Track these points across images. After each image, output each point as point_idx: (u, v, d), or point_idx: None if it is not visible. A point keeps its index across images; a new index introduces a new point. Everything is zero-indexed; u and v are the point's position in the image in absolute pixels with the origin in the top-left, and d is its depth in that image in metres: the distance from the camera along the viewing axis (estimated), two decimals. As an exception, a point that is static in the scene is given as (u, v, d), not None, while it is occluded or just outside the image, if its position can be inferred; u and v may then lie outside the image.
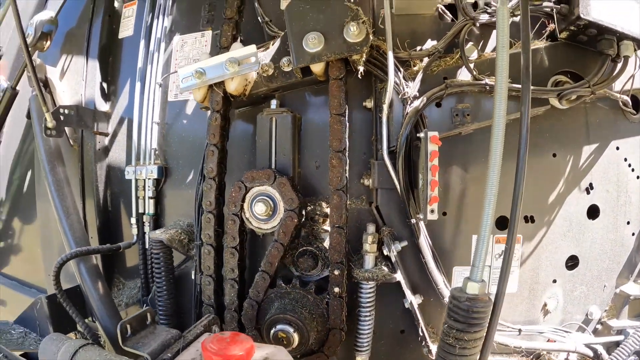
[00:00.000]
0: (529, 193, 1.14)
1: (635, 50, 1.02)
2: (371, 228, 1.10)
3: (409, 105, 1.05)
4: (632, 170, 1.18)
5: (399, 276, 1.10)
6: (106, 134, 1.47)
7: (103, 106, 1.47)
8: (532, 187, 1.15)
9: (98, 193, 1.45)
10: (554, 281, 1.18)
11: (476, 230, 1.15)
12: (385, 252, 1.11)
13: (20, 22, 1.09)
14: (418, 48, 1.13)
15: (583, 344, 1.12)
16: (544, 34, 1.10)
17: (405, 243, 1.12)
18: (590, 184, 1.15)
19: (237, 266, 1.15)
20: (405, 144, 1.03)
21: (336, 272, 1.07)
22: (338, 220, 1.06)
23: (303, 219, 1.18)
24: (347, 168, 1.09)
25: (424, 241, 1.09)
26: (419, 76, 1.07)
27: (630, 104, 1.12)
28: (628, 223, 1.18)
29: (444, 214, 1.15)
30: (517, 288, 1.17)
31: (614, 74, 1.02)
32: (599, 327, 1.18)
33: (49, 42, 1.42)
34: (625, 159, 1.17)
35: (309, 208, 1.19)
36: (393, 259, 1.10)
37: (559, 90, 1.03)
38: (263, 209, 1.11)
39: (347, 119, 1.08)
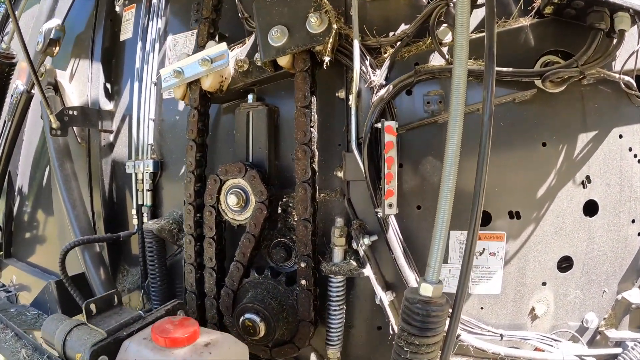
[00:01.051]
0: (513, 186, 1.05)
1: (635, 22, 0.89)
2: (339, 221, 1.08)
3: (375, 94, 1.01)
4: (639, 161, 1.03)
5: (367, 271, 1.07)
6: (110, 131, 1.59)
7: (107, 105, 1.59)
8: (518, 180, 1.06)
9: (104, 186, 1.57)
10: (544, 284, 1.07)
11: (454, 225, 1.10)
12: (354, 246, 1.09)
13: (20, 33, 1.21)
14: (391, 34, 1.08)
15: (574, 354, 1.01)
16: (532, 10, 1.00)
17: (375, 237, 1.09)
18: (587, 177, 1.02)
19: (214, 255, 1.20)
20: (370, 134, 1.00)
21: (302, 265, 1.07)
22: (303, 213, 1.06)
23: (280, 211, 1.20)
24: (315, 160, 1.08)
25: (393, 236, 1.05)
26: (386, 63, 1.02)
27: (635, 85, 0.97)
28: (633, 221, 1.04)
29: (419, 207, 1.10)
30: (500, 289, 1.08)
31: (608, 51, 0.90)
32: (598, 337, 1.07)
33: (57, 48, 1.55)
34: (630, 149, 1.03)
35: (285, 199, 1.21)
36: (361, 254, 1.08)
37: (541, 72, 0.92)
38: (235, 200, 1.14)
39: (314, 110, 1.07)
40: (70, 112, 1.41)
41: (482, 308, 1.11)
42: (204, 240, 1.21)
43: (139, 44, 1.54)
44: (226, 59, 1.13)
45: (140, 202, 1.52)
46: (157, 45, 1.52)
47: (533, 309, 1.08)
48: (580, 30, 0.94)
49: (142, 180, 1.50)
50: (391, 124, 0.88)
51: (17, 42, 1.79)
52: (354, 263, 1.07)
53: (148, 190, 1.50)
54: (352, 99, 1.04)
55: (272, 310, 1.08)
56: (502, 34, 1.00)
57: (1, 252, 1.88)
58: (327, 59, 1.04)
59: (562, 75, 0.92)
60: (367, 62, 1.03)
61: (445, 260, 1.10)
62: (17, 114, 1.59)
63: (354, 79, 1.02)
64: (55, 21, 1.55)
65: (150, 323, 0.90)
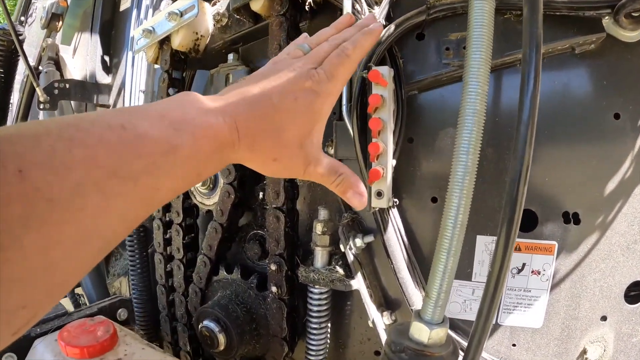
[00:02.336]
0: (571, 176, 0.71)
1: None
2: (323, 213, 0.82)
3: (371, 39, 0.73)
4: None
5: (357, 283, 0.80)
6: (107, 106, 1.50)
7: (105, 78, 1.50)
8: (578, 167, 0.70)
9: (98, 165, 1.49)
10: (603, 318, 0.72)
11: (482, 227, 0.78)
12: (342, 248, 0.82)
13: (6, 8, 1.13)
14: (401, -41, 0.78)
15: None
16: None
17: (371, 238, 0.81)
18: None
19: (182, 246, 1.02)
20: (361, 94, 0.72)
21: (273, 267, 0.83)
22: (275, 200, 0.82)
23: (260, 196, 0.98)
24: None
25: (394, 238, 0.76)
26: (387, -5, 0.73)
27: None
28: None
29: (434, 200, 0.79)
30: (542, 322, 0.75)
31: None
32: None
33: (61, 23, 1.50)
34: None
35: (264, 182, 0.98)
36: (350, 259, 0.80)
37: (613, 1, 0.57)
38: (202, 182, 0.94)
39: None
40: (61, 85, 1.33)
41: (514, 345, 0.77)
42: (172, 227, 1.03)
43: (134, 12, 1.42)
44: (195, 10, 0.92)
45: (130, 184, 1.41)
46: (150, 12, 1.39)
47: (584, 351, 0.72)
48: None
49: (132, 159, 1.38)
50: (380, 70, 0.59)
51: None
52: (340, 271, 0.81)
53: (136, 170, 1.38)
54: (341, 47, 0.77)
55: (235, 319, 0.87)
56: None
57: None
58: (310, -4, 0.78)
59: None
60: (363, -4, 0.75)
61: (469, 277, 0.79)
62: (25, 91, 1.58)
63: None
64: (58, -6, 1.50)
65: (74, 320, 0.74)
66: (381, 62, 0.73)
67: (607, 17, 0.65)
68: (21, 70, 1.77)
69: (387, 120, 0.59)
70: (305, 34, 0.62)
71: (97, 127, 0.29)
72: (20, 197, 0.23)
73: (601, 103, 0.70)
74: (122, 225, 0.31)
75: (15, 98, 1.92)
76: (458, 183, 0.52)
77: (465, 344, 0.78)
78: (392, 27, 0.71)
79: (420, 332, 0.53)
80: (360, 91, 0.72)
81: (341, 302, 0.92)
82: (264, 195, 0.95)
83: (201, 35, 1.00)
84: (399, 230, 0.78)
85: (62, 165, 0.25)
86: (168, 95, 1.02)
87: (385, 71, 0.58)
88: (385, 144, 0.59)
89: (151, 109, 0.35)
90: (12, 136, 0.25)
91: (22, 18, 2.09)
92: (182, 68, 1.04)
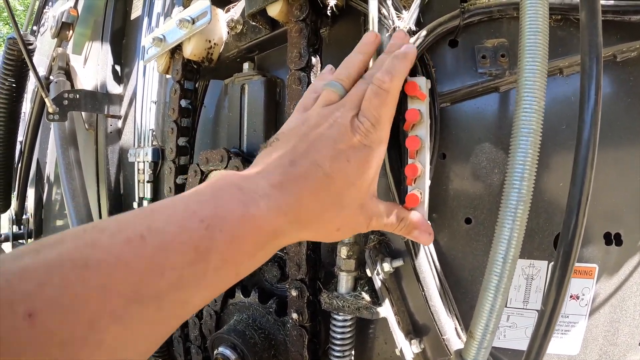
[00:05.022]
0: (613, 194, 0.64)
1: None
2: (347, 235, 0.76)
3: (401, 47, 0.67)
4: None
5: (385, 311, 0.74)
6: (118, 117, 1.47)
7: (116, 89, 1.47)
8: (620, 184, 0.64)
9: (109, 176, 1.46)
10: None
11: (523, 251, 0.71)
12: (369, 273, 0.76)
13: (12, 12, 1.11)
14: (432, -40, 0.72)
15: None
16: None
17: (400, 262, 0.75)
18: None
19: (196, 266, 0.97)
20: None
21: (294, 293, 0.78)
22: (295, 221, 0.76)
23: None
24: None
25: (426, 263, 0.70)
26: (417, 1, 0.67)
27: None
28: None
29: (468, 221, 0.73)
30: (579, 349, 0.68)
31: None
32: None
33: (71, 32, 1.48)
34: None
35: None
36: (377, 284, 0.74)
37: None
38: (216, 199, 0.89)
39: (315, 76, 0.77)
40: (71, 96, 1.30)
41: (554, 378, 0.71)
42: (186, 246, 0.99)
43: (145, 20, 1.39)
44: (208, 17, 0.88)
45: (141, 195, 1.37)
46: (162, 20, 1.35)
47: (636, 385, 0.65)
48: None
49: (143, 170, 1.34)
50: (417, 81, 0.53)
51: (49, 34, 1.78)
52: (367, 297, 0.75)
53: (148, 182, 1.34)
54: (367, 56, 0.71)
55: (253, 346, 0.81)
56: None
57: (31, 239, 1.91)
58: (332, 2, 0.72)
59: None
60: (389, 2, 0.69)
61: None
62: (37, 101, 1.56)
63: (370, 27, 0.69)
64: (68, 4, 1.47)
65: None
66: (412, 72, 0.67)
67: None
68: (33, 80, 1.75)
69: (424, 139, 0.53)
70: (329, 67, 0.54)
71: (117, 241, 0.26)
72: (31, 344, 0.22)
73: (644, 113, 0.65)
74: (150, 346, 0.29)
75: (27, 108, 1.91)
76: (510, 212, 0.45)
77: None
78: (423, 32, 0.65)
79: (465, 379, 0.47)
80: (389, 104, 0.65)
81: (364, 326, 0.86)
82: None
83: (214, 44, 0.96)
84: (430, 254, 0.71)
85: (74, 301, 0.24)
86: (180, 107, 0.98)
87: (423, 83, 0.52)
88: (423, 165, 0.53)
89: (179, 204, 0.31)
90: (25, 270, 0.23)
91: (35, 27, 2.09)
92: (194, 78, 1.00)
